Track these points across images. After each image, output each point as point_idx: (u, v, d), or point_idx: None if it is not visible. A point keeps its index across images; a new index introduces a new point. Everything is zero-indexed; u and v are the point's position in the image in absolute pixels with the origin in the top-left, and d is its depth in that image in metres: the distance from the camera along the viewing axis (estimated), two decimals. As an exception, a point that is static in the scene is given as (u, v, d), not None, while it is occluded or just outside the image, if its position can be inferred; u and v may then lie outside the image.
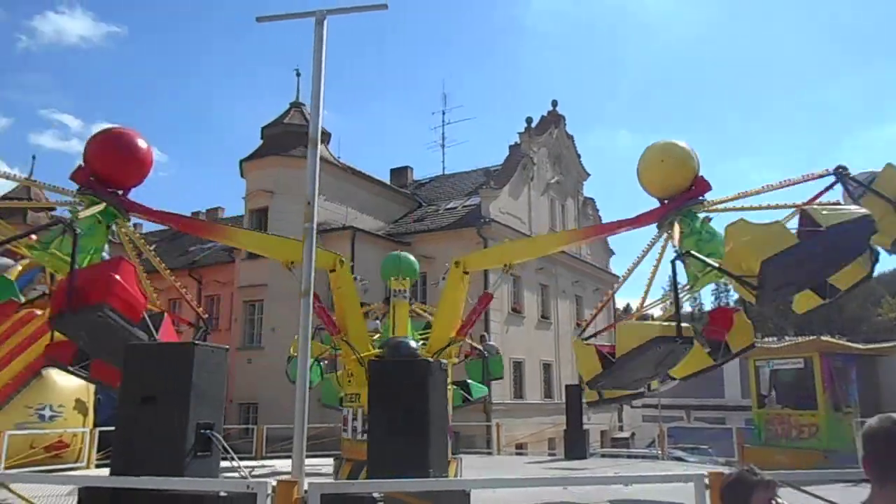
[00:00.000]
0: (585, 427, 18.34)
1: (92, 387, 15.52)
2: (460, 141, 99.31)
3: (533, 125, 31.15)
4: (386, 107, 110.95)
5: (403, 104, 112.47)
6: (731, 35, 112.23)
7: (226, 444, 4.76)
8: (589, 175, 36.61)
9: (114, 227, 8.17)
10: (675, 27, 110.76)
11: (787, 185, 8.71)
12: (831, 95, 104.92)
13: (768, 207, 8.71)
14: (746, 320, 9.72)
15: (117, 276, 6.48)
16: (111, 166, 7.76)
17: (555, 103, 33.69)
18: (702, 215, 9.04)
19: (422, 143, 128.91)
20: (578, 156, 35.69)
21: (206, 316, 9.77)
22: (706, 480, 4.46)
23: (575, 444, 17.31)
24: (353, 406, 8.58)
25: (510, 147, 30.44)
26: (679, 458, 20.16)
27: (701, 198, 8.87)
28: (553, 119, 33.16)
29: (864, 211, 7.59)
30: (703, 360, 9.56)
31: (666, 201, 9.01)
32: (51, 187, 8.24)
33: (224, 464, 5.32)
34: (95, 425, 14.94)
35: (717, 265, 7.89)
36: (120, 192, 7.98)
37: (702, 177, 8.92)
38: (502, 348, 26.12)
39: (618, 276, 38.53)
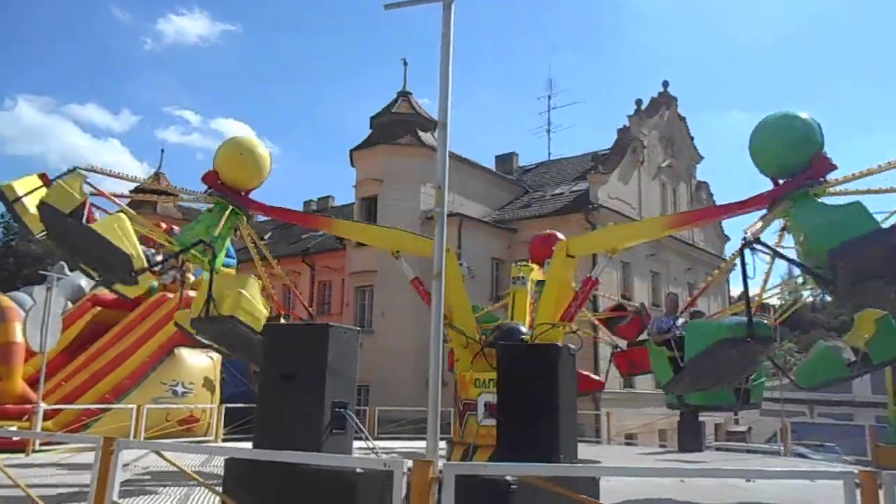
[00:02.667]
0: (700, 419, 17.68)
1: (218, 365, 16.52)
2: (567, 126, 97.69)
3: (643, 107, 30.17)
4: (491, 93, 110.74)
5: (509, 90, 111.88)
6: (846, 5, 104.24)
7: (359, 423, 4.92)
8: (702, 158, 35.12)
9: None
10: (784, 4, 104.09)
11: None
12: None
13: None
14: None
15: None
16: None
17: (665, 84, 32.48)
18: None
19: (527, 128, 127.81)
20: (691, 138, 34.28)
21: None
22: (857, 479, 4.15)
23: (690, 436, 16.72)
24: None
25: (619, 130, 29.63)
26: (802, 456, 19.13)
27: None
28: (664, 100, 31.98)
29: None
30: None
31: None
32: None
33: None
34: (221, 401, 15.88)
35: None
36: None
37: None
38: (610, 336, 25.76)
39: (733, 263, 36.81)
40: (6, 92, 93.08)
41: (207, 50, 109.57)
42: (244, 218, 8.90)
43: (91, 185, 7.92)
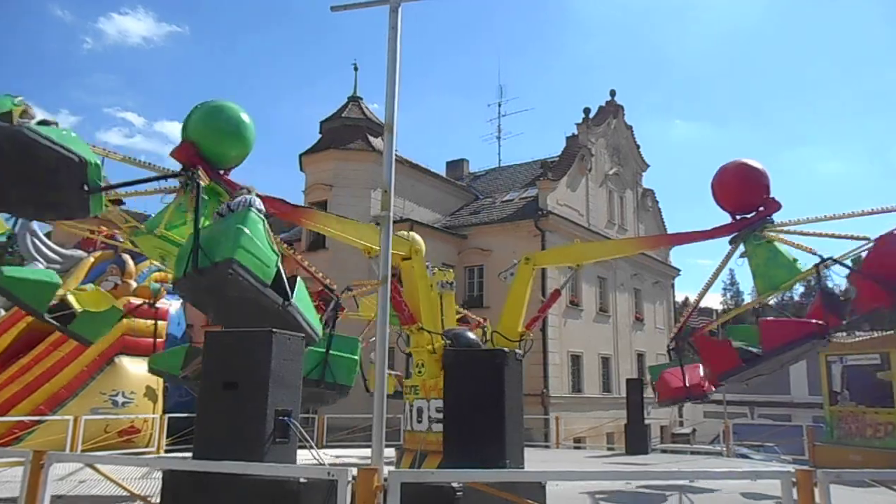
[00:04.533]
0: (646, 422, 18.02)
1: (162, 375, 16.06)
2: (516, 133, 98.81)
3: (591, 116, 30.69)
4: (442, 99, 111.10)
5: (460, 96, 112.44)
6: (786, 20, 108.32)
7: (304, 432, 4.82)
8: (648, 166, 35.91)
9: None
10: (728, 14, 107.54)
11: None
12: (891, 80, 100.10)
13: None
14: None
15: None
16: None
17: (613, 93, 33.17)
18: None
19: (478, 135, 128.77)
20: (637, 146, 35.02)
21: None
22: (793, 478, 4.29)
23: (636, 439, 17.03)
24: (427, 397, 8.63)
25: (567, 138, 30.07)
26: (744, 456, 19.64)
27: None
28: (611, 109, 32.62)
29: None
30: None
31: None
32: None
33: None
34: (164, 411, 15.43)
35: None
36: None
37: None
38: (560, 341, 26.03)
39: (677, 270, 37.73)
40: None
41: (152, 51, 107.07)
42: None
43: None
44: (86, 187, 5.83)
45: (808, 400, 32.69)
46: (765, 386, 35.85)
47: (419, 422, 8.29)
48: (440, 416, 7.00)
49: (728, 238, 9.76)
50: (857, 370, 15.61)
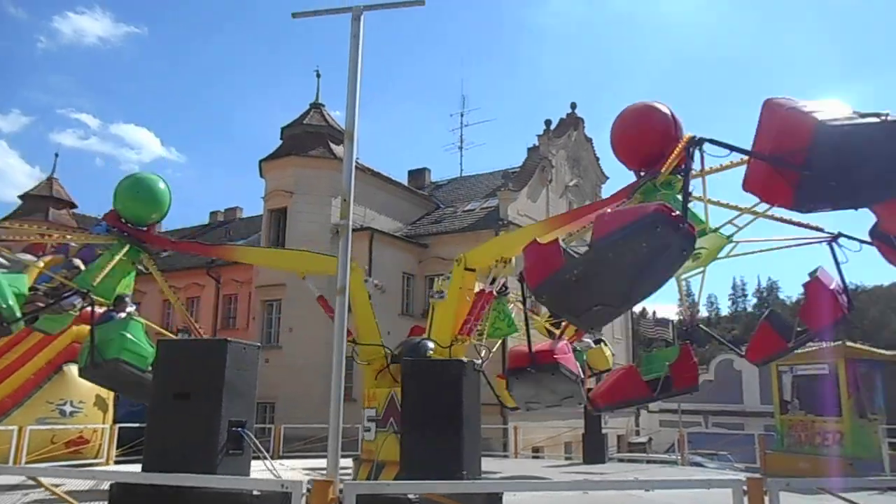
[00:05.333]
0: (603, 431, 18.18)
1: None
2: (478, 143, 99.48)
3: (552, 127, 31.02)
4: (405, 109, 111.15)
5: (422, 106, 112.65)
6: (744, 37, 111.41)
7: (258, 443, 4.73)
8: (608, 178, 36.41)
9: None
10: (688, 29, 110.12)
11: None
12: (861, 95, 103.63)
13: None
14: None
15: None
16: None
17: (574, 105, 33.56)
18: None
19: (439, 144, 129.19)
20: (597, 158, 35.49)
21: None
22: (744, 486, 4.39)
23: (593, 449, 17.17)
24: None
25: (528, 149, 30.34)
26: (698, 464, 19.96)
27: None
28: (572, 121, 33.01)
29: None
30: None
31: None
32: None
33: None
34: (115, 421, 15.01)
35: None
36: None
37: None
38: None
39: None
40: None
41: (109, 52, 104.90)
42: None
43: None
44: (4, 324, 7.31)
45: (760, 409, 33.45)
46: (719, 394, 36.59)
47: (367, 430, 8.23)
48: (370, 425, 7.25)
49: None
50: (808, 380, 16.04)
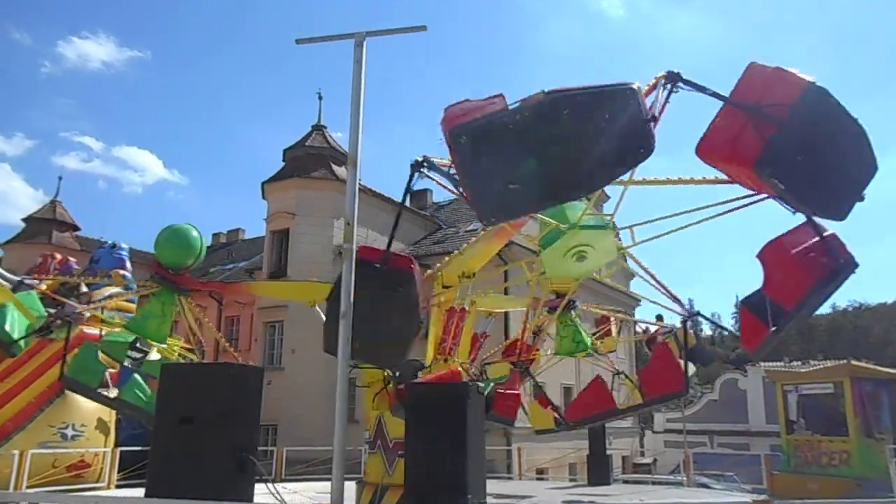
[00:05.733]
0: (608, 452, 18.06)
1: (113, 407, 15.58)
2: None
3: (552, 147, 31.17)
4: (405, 129, 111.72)
5: (422, 127, 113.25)
6: (751, 55, 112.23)
7: (261, 468, 4.70)
8: (609, 198, 36.46)
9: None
10: (684, 49, 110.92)
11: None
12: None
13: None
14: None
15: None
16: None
17: (574, 126, 33.74)
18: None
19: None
20: (599, 179, 35.60)
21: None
22: (753, 509, 4.34)
23: (598, 470, 17.03)
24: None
25: (529, 169, 30.45)
26: (704, 485, 19.77)
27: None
28: (573, 141, 33.16)
29: None
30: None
31: None
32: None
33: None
34: (116, 445, 14.95)
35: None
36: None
37: None
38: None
39: (637, 300, 38.20)
40: None
41: (113, 76, 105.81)
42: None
43: None
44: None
45: (766, 428, 33.18)
46: (724, 414, 36.33)
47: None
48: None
49: None
50: (813, 399, 15.96)
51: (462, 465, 5.11)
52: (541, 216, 7.70)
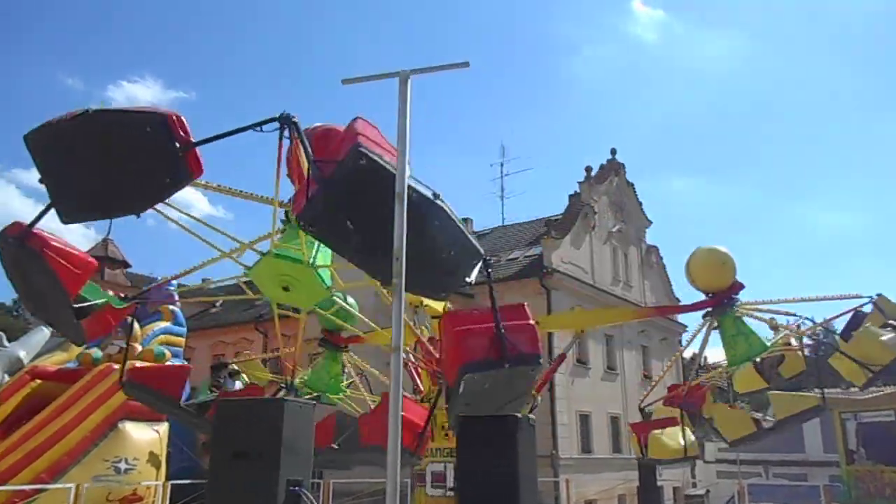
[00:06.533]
0: (659, 484, 17.63)
1: (165, 439, 15.84)
2: (519, 192, 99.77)
3: (592, 174, 31.06)
4: (444, 159, 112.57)
5: (461, 156, 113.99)
6: (784, 76, 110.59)
7: (314, 501, 4.74)
8: (651, 223, 36.12)
9: None
10: (720, 72, 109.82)
11: (817, 300, 11.28)
12: (890, 132, 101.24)
13: (788, 314, 11.74)
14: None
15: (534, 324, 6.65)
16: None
17: (613, 151, 33.62)
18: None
19: (480, 194, 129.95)
20: (640, 203, 35.31)
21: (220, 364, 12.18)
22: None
23: (649, 502, 16.63)
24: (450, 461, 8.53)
25: (570, 196, 30.36)
26: (761, 518, 19.13)
27: (735, 297, 11.06)
28: (613, 167, 33.02)
29: None
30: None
31: (710, 295, 11.12)
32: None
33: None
34: (167, 478, 15.14)
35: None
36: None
37: (738, 280, 11.05)
38: (567, 401, 25.65)
39: (684, 326, 37.49)
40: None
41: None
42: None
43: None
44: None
45: (824, 458, 31.93)
46: (779, 443, 35.11)
47: (437, 487, 8.15)
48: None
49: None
50: (873, 427, 15.38)
51: (515, 498, 5.07)
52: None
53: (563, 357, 10.85)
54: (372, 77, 4.98)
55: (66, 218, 5.68)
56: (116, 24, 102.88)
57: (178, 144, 5.17)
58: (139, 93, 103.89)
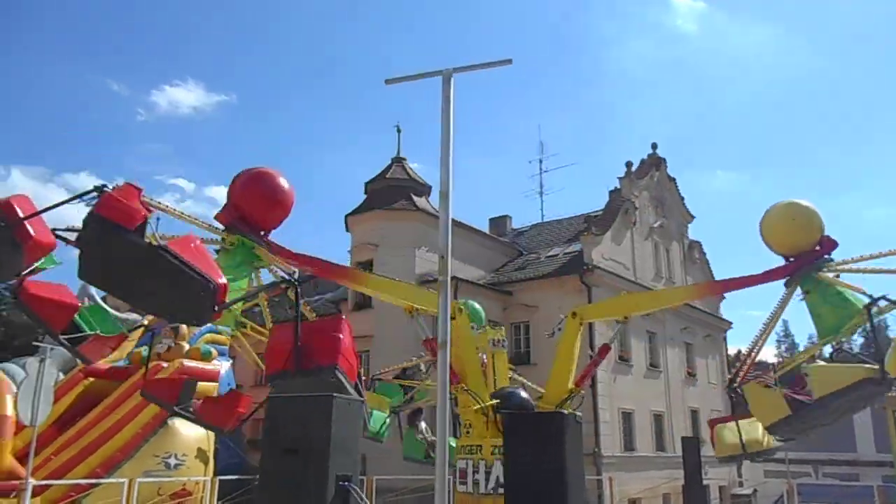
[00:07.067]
0: (705, 482, 17.32)
1: (212, 436, 16.15)
2: (558, 188, 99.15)
3: (633, 169, 30.68)
4: (483, 156, 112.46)
5: (500, 153, 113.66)
6: (828, 67, 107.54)
7: (364, 497, 4.80)
8: (693, 217, 35.51)
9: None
10: (764, 65, 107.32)
11: None
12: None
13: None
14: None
15: (343, 337, 6.92)
16: (256, 206, 7.86)
17: (654, 146, 33.12)
18: (830, 274, 9.19)
19: (519, 191, 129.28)
20: (682, 198, 34.75)
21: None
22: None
23: (695, 501, 16.36)
24: (474, 458, 8.47)
25: (610, 192, 30.03)
26: (812, 518, 18.68)
27: (827, 256, 9.09)
28: (653, 162, 32.56)
29: None
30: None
31: (791, 259, 9.27)
32: (203, 225, 8.10)
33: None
34: (215, 474, 15.45)
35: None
36: (263, 233, 8.15)
37: (828, 236, 9.08)
38: (610, 398, 25.40)
39: (729, 322, 36.81)
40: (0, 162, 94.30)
41: (201, 120, 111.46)
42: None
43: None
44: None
45: (877, 458, 31.09)
46: (830, 442, 34.27)
47: (462, 483, 8.13)
48: (491, 479, 6.99)
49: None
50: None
51: (563, 496, 5.05)
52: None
53: (606, 348, 9.61)
54: (415, 76, 5.02)
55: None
56: (159, 30, 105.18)
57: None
58: (181, 96, 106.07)
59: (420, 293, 9.14)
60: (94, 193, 6.08)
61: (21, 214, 5.88)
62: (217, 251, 7.86)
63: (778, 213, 9.38)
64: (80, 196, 6.19)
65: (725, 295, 36.29)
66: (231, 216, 7.80)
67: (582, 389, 8.68)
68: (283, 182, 8.15)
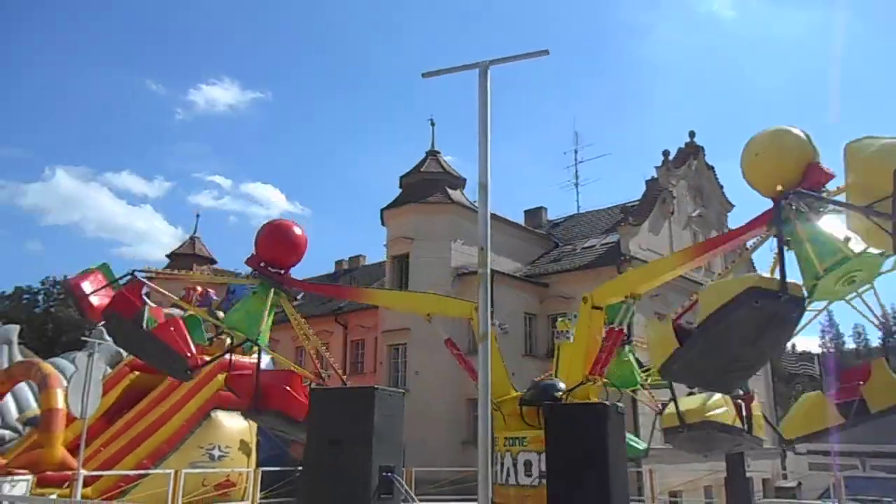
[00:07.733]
0: (748, 475, 17.05)
1: (255, 428, 16.47)
2: (594, 179, 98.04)
3: (670, 158, 30.19)
4: (517, 148, 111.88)
5: (535, 145, 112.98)
6: (865, 50, 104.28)
7: (407, 488, 4.84)
8: (733, 206, 34.82)
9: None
10: (802, 51, 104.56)
11: None
12: None
13: None
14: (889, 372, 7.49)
15: (289, 389, 7.93)
16: (275, 252, 9.39)
17: (692, 134, 32.51)
18: (825, 216, 6.93)
19: (554, 182, 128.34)
20: (720, 186, 34.08)
21: (346, 373, 11.51)
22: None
23: (738, 494, 16.07)
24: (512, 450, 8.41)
25: (647, 182, 29.60)
26: (860, 512, 18.26)
27: (814, 191, 6.92)
28: (691, 150, 31.98)
29: None
30: (828, 418, 7.70)
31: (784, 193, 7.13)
32: (231, 274, 10.15)
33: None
34: (257, 465, 15.74)
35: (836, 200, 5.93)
36: (283, 272, 9.44)
37: (816, 164, 7.05)
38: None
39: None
40: (45, 163, 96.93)
41: (237, 117, 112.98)
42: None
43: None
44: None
45: (927, 450, 30.20)
46: (879, 433, 33.39)
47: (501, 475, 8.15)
48: (524, 469, 6.75)
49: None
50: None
51: (606, 489, 5.03)
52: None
53: (614, 333, 7.89)
54: (452, 69, 5.01)
55: None
56: (195, 29, 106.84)
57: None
58: (217, 95, 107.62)
59: (433, 300, 9.70)
60: (128, 277, 8.88)
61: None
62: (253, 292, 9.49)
63: (748, 148, 7.54)
64: (120, 279, 9.09)
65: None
66: (256, 262, 9.37)
67: (596, 378, 7.59)
68: (297, 230, 9.73)
